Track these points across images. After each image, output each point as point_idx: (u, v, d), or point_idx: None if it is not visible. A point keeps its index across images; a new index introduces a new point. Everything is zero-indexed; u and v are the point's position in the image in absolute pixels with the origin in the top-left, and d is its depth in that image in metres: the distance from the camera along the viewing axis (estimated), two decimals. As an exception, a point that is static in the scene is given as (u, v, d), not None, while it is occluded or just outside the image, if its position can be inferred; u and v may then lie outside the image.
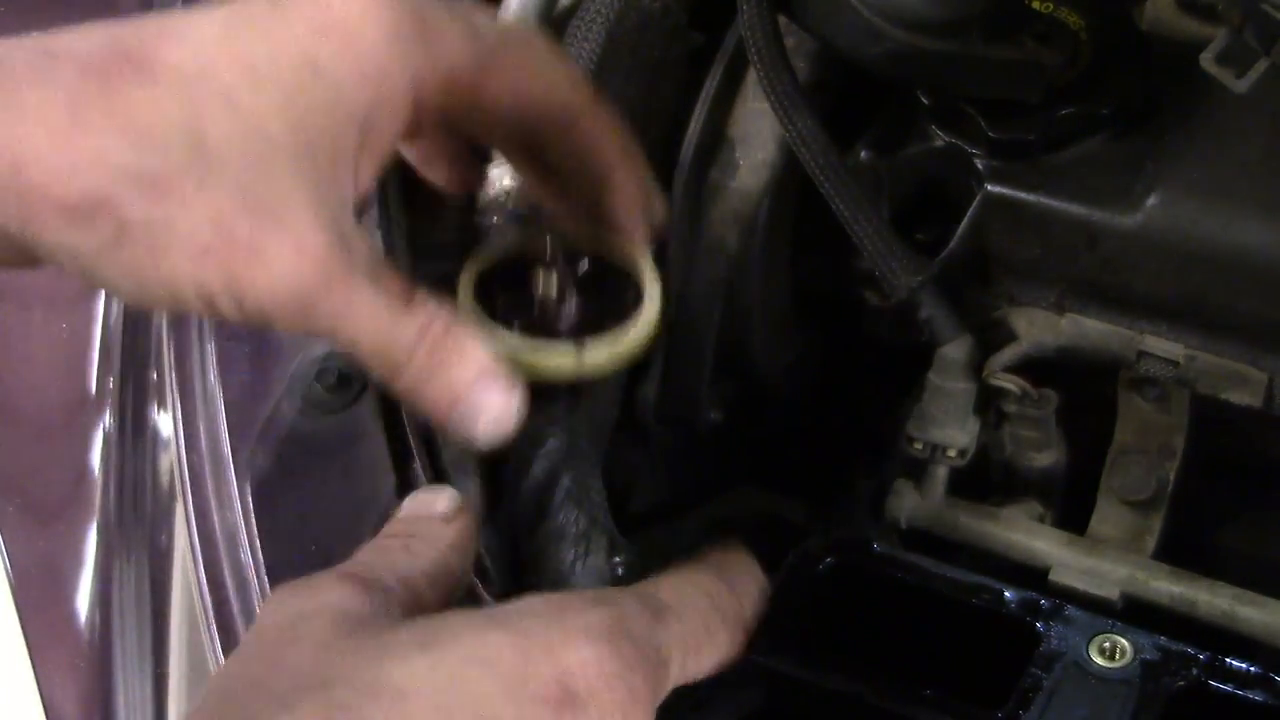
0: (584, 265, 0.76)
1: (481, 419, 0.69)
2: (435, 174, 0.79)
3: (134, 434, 0.89)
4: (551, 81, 0.73)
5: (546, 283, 0.74)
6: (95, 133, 0.62)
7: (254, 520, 0.78)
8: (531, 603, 0.66)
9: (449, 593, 0.69)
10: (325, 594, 0.64)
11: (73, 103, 0.62)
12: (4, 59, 0.63)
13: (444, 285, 0.74)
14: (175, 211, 0.62)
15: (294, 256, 0.64)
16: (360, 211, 0.69)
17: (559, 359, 0.73)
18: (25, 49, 0.64)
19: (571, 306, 0.75)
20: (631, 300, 0.76)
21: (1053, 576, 0.85)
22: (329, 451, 0.79)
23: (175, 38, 0.65)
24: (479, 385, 0.68)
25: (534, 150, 0.76)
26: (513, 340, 0.73)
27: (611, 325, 0.74)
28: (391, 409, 0.78)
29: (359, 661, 0.61)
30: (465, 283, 0.75)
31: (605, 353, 0.73)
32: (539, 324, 0.74)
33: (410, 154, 0.78)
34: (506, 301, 0.75)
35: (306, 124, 0.65)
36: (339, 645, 0.62)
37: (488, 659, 0.61)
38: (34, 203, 0.62)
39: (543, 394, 0.74)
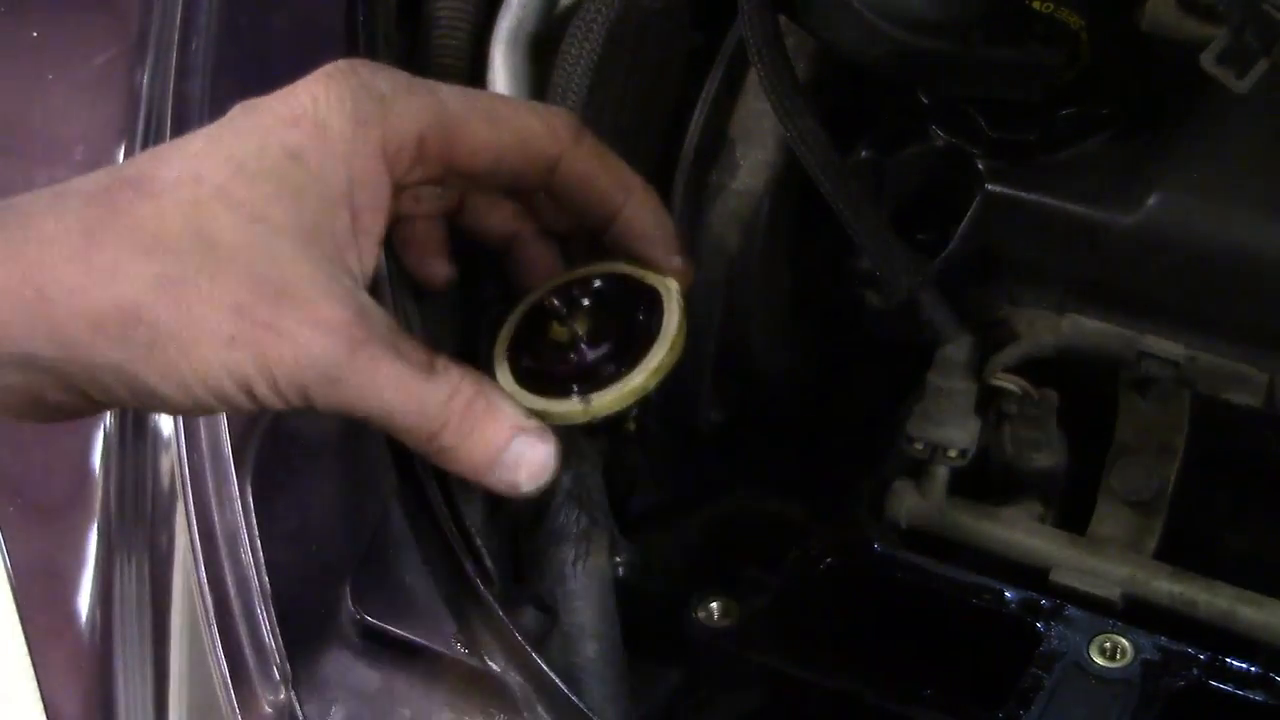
0: (596, 284, 0.77)
1: (523, 473, 0.71)
2: (422, 267, 0.81)
3: (134, 434, 0.89)
4: (525, 131, 0.75)
5: (558, 329, 0.75)
6: (110, 248, 0.67)
7: (254, 520, 0.78)
8: None
9: None
10: None
11: (85, 226, 0.67)
12: (18, 203, 0.68)
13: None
14: (197, 308, 0.66)
15: (314, 332, 0.67)
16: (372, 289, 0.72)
17: (567, 409, 0.73)
18: (36, 194, 0.69)
19: (584, 351, 0.75)
20: (652, 323, 0.76)
21: (1053, 577, 0.85)
22: (329, 451, 0.79)
23: (166, 157, 0.71)
24: (515, 442, 0.71)
25: (531, 195, 0.78)
26: (527, 398, 0.74)
27: (633, 346, 0.75)
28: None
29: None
30: (501, 339, 0.76)
31: (610, 398, 0.74)
32: (556, 370, 0.75)
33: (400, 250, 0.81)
34: (530, 352, 0.76)
35: (302, 208, 0.69)
36: None
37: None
38: (66, 324, 0.66)
39: None
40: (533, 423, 0.72)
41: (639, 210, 0.78)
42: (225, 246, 0.67)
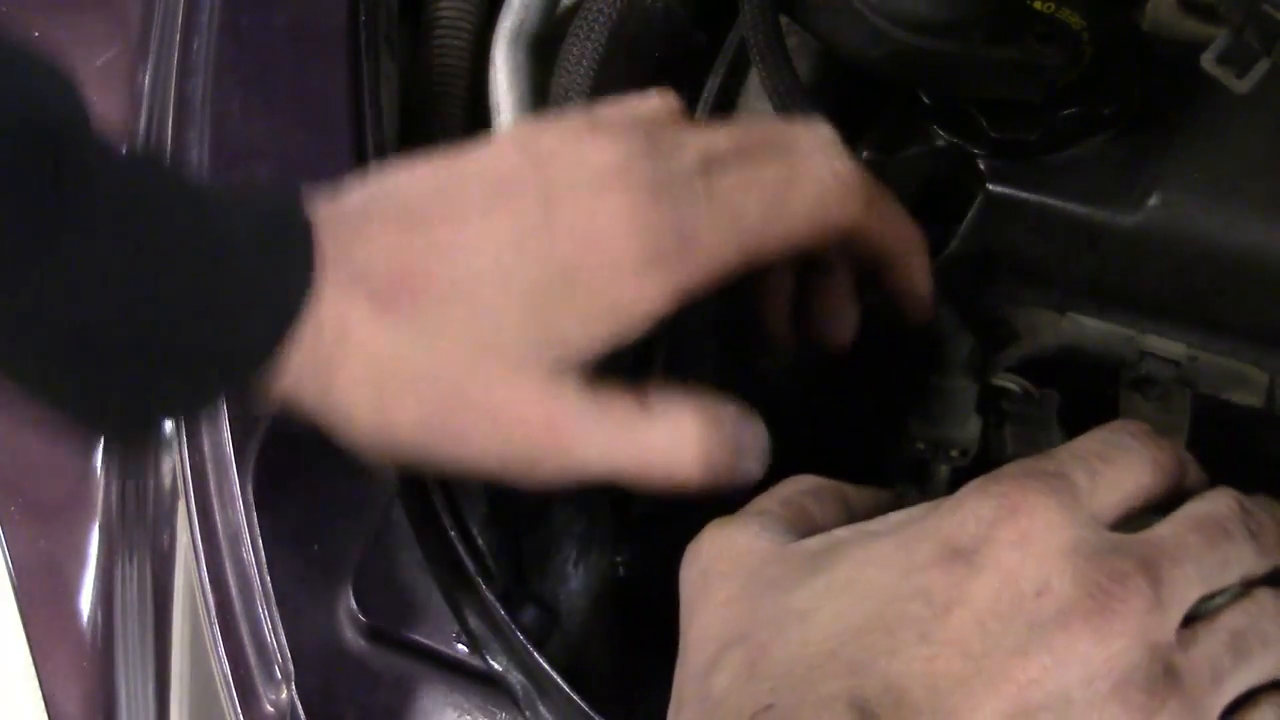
0: None
1: (752, 459, 0.73)
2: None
3: (136, 433, 0.89)
4: (822, 221, 0.74)
5: None
6: None
7: (256, 520, 0.78)
8: (908, 511, 0.66)
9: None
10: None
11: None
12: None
13: None
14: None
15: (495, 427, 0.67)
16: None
17: None
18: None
19: None
20: None
21: (1054, 576, 0.85)
22: (331, 451, 0.79)
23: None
24: (742, 433, 0.73)
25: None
26: None
27: None
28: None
29: (765, 601, 0.63)
30: None
31: None
32: None
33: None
34: None
35: (549, 325, 0.67)
36: (749, 590, 0.65)
37: (873, 560, 0.62)
38: None
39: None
40: (731, 408, 0.73)
41: (908, 270, 0.80)
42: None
